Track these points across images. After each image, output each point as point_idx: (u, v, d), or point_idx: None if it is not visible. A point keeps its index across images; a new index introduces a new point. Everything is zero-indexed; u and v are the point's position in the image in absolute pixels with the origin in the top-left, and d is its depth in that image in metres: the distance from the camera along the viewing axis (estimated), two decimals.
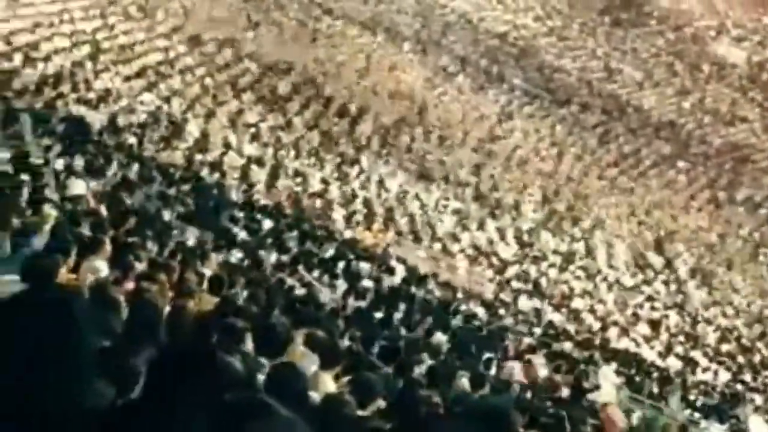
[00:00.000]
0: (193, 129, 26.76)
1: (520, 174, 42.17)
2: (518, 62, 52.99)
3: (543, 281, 30.11)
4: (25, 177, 14.43)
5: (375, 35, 49.35)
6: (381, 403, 7.71)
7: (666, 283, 36.66)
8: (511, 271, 29.87)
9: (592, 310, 29.21)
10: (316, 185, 28.18)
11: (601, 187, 45.37)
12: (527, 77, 51.99)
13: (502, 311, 24.01)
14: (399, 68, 46.96)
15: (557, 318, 26.67)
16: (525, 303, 26.86)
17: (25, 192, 12.63)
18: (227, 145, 27.16)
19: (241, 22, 43.00)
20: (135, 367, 4.75)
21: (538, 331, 22.66)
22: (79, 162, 17.49)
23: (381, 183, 32.33)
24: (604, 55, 56.04)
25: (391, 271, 20.16)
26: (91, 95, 24.52)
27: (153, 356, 4.06)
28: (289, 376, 6.15)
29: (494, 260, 30.36)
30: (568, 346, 21.98)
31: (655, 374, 22.53)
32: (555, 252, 34.58)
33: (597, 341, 24.99)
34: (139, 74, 29.57)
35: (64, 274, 8.03)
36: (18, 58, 24.77)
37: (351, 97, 40.41)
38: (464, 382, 11.43)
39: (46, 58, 25.84)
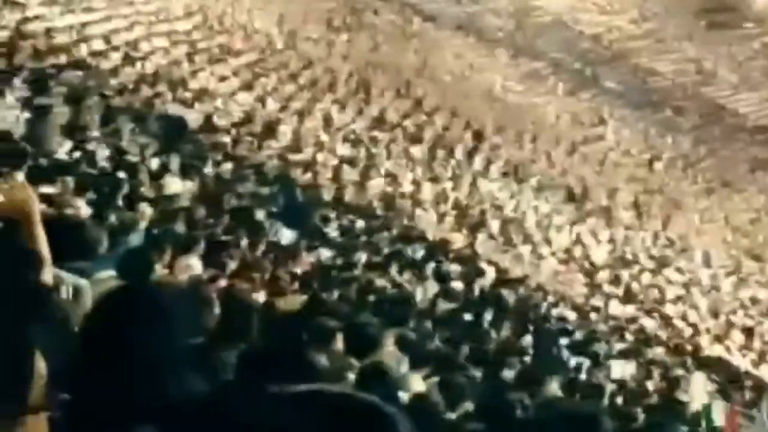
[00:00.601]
0: (286, 129, 26.92)
1: (612, 177, 41.79)
2: (612, 65, 52.50)
3: (635, 286, 29.81)
4: (122, 175, 14.65)
5: (467, 37, 49.23)
6: (469, 406, 7.72)
7: (762, 289, 36.05)
8: (603, 275, 29.61)
9: (684, 317, 28.84)
10: (407, 186, 28.17)
11: (695, 191, 44.80)
12: (621, 80, 51.50)
13: (593, 315, 23.85)
14: (491, 70, 46.82)
15: (649, 323, 26.40)
16: (616, 308, 26.63)
17: (123, 189, 12.82)
18: (320, 145, 27.27)
19: (336, 23, 43.24)
20: (225, 362, 4.82)
21: (629, 336, 22.46)
22: (175, 161, 17.71)
23: (473, 184, 32.24)
24: (700, 58, 55.24)
25: (481, 273, 20.12)
26: (188, 94, 24.79)
27: (243, 352, 4.11)
28: (378, 375, 6.19)
29: (585, 264, 30.14)
30: (659, 351, 21.75)
31: (748, 383, 22.19)
32: (649, 257, 34.21)
33: (689, 348, 24.70)
34: (234, 74, 29.85)
35: (159, 271, 8.16)
36: (117, 57, 25.12)
37: (443, 99, 40.35)
38: (554, 386, 11.38)
39: (144, 57, 26.18)
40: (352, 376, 6.46)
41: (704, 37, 57.39)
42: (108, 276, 7.41)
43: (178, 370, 2.85)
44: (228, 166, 19.76)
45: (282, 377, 2.56)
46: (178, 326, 3.00)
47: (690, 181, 45.51)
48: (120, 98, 20.98)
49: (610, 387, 15.37)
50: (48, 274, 3.63)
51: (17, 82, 17.52)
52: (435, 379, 8.17)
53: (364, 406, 1.32)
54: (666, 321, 27.57)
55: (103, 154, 15.92)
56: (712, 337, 27.70)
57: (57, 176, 11.36)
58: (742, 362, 26.06)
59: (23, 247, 3.24)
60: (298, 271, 12.28)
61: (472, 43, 48.73)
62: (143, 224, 11.33)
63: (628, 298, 28.28)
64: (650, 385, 17.68)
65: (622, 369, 17.93)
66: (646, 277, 31.28)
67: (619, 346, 20.02)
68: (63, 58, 21.87)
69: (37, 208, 3.78)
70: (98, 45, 25.54)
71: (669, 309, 28.96)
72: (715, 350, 26.25)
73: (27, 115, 15.90)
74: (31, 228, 3.65)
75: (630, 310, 26.95)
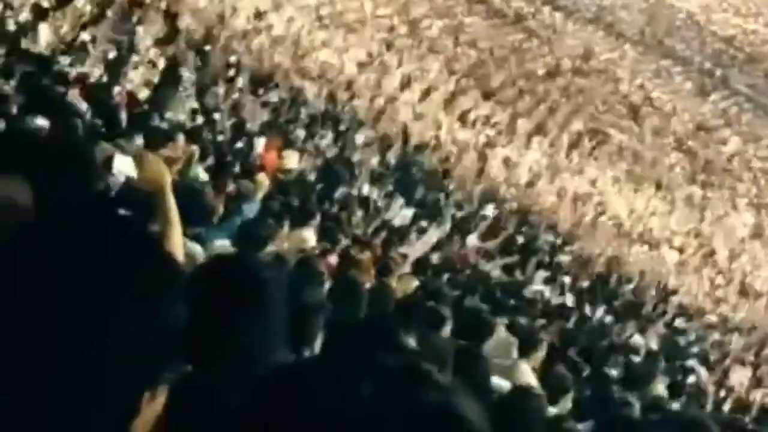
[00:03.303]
0: (406, 109, 26.91)
1: (734, 182, 40.95)
2: (744, 68, 51.35)
3: (751, 291, 29.27)
4: (240, 144, 14.78)
5: (596, 31, 48.59)
6: (569, 403, 7.60)
7: None
8: (719, 278, 29.15)
9: None
10: (524, 175, 28.02)
11: None
12: (752, 84, 50.35)
13: (710, 317, 23.47)
14: (617, 65, 46.18)
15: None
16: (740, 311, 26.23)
17: (242, 159, 12.93)
18: (439, 127, 27.23)
19: (460, 9, 43.03)
20: (314, 334, 4.79)
21: (741, 341, 22.01)
22: (294, 134, 17.82)
23: (593, 182, 31.92)
24: None
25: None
26: (311, 66, 24.91)
27: (332, 327, 4.07)
28: (472, 360, 6.10)
29: (703, 268, 29.69)
30: None
31: None
32: None
33: None
34: (357, 50, 29.91)
35: (273, 243, 8.17)
36: (240, 25, 25.27)
37: (565, 92, 39.95)
38: (660, 387, 11.18)
39: (269, 27, 26.32)
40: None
41: None
42: (222, 245, 7.45)
43: (275, 344, 2.82)
44: (347, 141, 19.83)
45: (365, 350, 2.50)
46: (281, 300, 2.96)
47: None
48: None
49: (720, 393, 15.09)
50: (179, 248, 3.65)
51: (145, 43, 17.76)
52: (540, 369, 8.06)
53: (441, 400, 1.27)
54: None
55: (224, 122, 16.08)
56: None
57: (177, 140, 11.47)
58: None
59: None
60: (411, 252, 12.22)
61: (601, 37, 48.07)
62: (260, 194, 11.39)
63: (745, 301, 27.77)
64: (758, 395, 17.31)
65: (738, 376, 17.60)
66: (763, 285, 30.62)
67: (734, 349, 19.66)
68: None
69: (170, 181, 3.82)
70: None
71: None
72: None
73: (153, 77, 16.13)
74: (164, 201, 3.70)
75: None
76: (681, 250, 30.25)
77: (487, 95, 34.29)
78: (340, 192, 14.47)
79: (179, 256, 3.38)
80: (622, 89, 44.14)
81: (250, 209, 10.25)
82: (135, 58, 16.49)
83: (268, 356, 2.62)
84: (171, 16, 20.88)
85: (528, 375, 7.56)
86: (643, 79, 46.24)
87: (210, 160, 12.13)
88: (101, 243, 1.33)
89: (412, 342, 2.68)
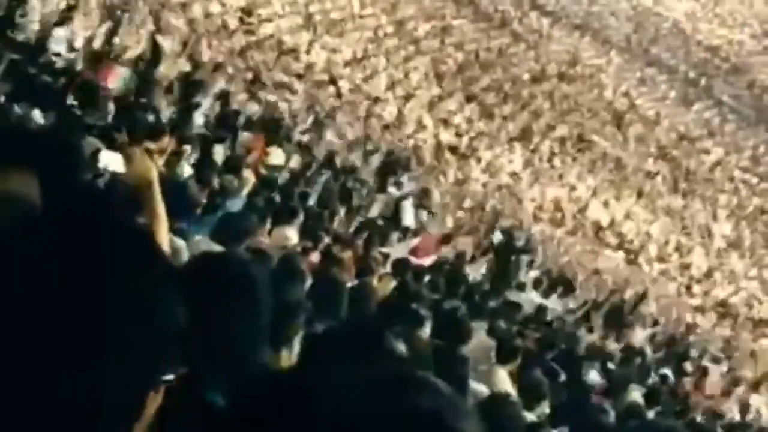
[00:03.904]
0: (391, 109, 26.94)
1: (715, 193, 41.11)
2: (728, 78, 51.55)
3: (731, 304, 29.38)
4: (226, 141, 14.77)
5: (582, 37, 48.68)
6: (546, 409, 7.62)
7: None
8: (696, 288, 29.25)
9: None
10: (505, 179, 28.08)
11: None
12: (736, 94, 50.56)
13: (685, 326, 23.56)
14: (602, 72, 46.29)
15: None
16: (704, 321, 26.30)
17: (227, 154, 12.94)
18: (422, 129, 27.27)
19: (448, 10, 43.02)
20: (294, 333, 4.80)
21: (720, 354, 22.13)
22: (279, 131, 17.82)
23: (574, 188, 31.99)
24: None
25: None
26: (296, 66, 24.91)
27: (323, 332, 4.09)
28: (451, 359, 6.13)
29: (679, 277, 29.77)
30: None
31: None
32: (746, 277, 33.56)
33: None
34: (345, 50, 29.91)
35: (256, 239, 8.17)
36: (233, 22, 25.27)
37: (550, 98, 40.04)
38: (636, 394, 11.23)
39: (255, 24, 26.30)
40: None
41: None
42: (200, 239, 7.44)
43: (261, 342, 2.83)
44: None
45: (354, 354, 2.52)
46: (268, 298, 2.97)
47: None
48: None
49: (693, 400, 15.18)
50: (165, 241, 3.68)
51: None
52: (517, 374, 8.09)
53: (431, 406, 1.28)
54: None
55: (209, 117, 16.07)
56: None
57: (163, 134, 11.44)
58: None
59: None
60: (393, 252, 12.26)
61: (587, 43, 48.19)
62: (245, 191, 11.40)
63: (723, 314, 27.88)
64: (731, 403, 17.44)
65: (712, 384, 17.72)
66: (742, 298, 30.76)
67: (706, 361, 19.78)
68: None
69: (156, 176, 3.84)
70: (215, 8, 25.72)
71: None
72: None
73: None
74: (150, 196, 3.71)
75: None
76: (660, 259, 30.36)
77: (471, 98, 34.34)
78: (323, 191, 14.50)
79: (166, 251, 3.40)
80: (607, 96, 44.27)
81: (234, 205, 10.27)
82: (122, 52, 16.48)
83: (255, 355, 2.64)
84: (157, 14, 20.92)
85: (505, 381, 7.59)
86: (628, 87, 46.37)
87: (195, 155, 12.15)
88: (99, 240, 1.33)
89: (401, 347, 2.69)
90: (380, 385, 1.21)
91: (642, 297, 23.08)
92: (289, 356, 4.75)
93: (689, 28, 53.77)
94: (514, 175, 28.97)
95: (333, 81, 26.17)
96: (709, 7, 56.55)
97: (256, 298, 2.76)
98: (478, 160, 27.69)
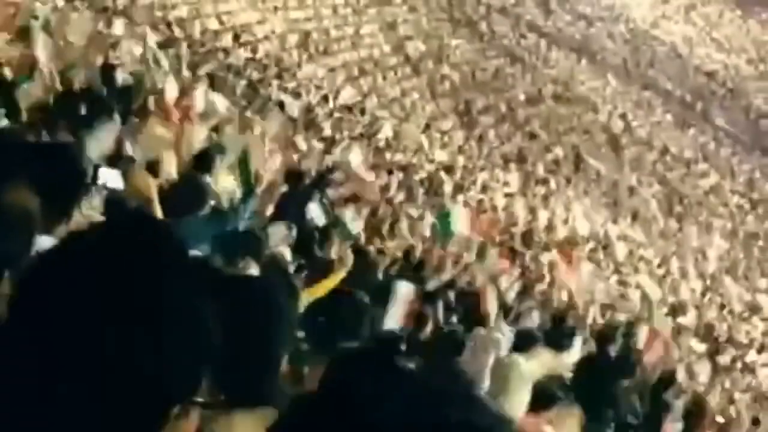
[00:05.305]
0: (386, 128, 26.96)
1: (709, 217, 41.17)
2: (724, 103, 51.74)
3: (721, 328, 29.34)
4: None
5: (579, 59, 48.85)
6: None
7: None
8: (689, 314, 29.20)
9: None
10: (500, 200, 28.06)
11: None
12: (731, 119, 50.72)
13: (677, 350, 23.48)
14: (599, 94, 46.43)
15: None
16: (697, 345, 26.23)
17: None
18: (418, 149, 27.29)
19: (445, 30, 43.13)
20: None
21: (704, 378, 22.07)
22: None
23: (568, 207, 32.01)
24: None
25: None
26: (293, 84, 24.95)
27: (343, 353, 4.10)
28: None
29: (671, 300, 29.74)
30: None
31: None
32: (739, 300, 33.56)
33: None
34: (342, 68, 30.01)
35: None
36: (228, 39, 25.38)
37: (546, 119, 40.15)
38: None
39: (256, 42, 26.42)
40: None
41: None
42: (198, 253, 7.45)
43: (278, 367, 2.83)
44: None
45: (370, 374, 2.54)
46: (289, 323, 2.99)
47: None
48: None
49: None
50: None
51: None
52: None
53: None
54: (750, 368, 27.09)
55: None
56: None
57: None
58: None
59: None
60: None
61: (584, 66, 48.36)
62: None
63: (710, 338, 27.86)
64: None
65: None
66: (732, 321, 30.77)
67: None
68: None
69: (155, 193, 3.91)
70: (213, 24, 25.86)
71: (752, 356, 28.42)
72: None
73: None
74: (150, 210, 3.79)
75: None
76: (654, 281, 30.31)
77: (467, 119, 34.43)
78: (317, 209, 14.48)
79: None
80: (603, 119, 44.38)
81: (234, 221, 10.26)
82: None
83: (275, 378, 2.64)
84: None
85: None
86: (624, 109, 46.49)
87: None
88: (144, 256, 1.34)
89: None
90: (410, 396, 1.22)
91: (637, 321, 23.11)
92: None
93: (686, 53, 54.01)
94: (507, 195, 28.96)
95: (329, 99, 26.23)
96: (706, 31, 56.81)
97: (285, 325, 2.76)
98: (473, 180, 27.69)
